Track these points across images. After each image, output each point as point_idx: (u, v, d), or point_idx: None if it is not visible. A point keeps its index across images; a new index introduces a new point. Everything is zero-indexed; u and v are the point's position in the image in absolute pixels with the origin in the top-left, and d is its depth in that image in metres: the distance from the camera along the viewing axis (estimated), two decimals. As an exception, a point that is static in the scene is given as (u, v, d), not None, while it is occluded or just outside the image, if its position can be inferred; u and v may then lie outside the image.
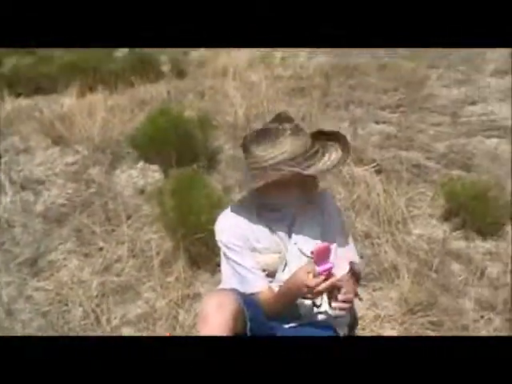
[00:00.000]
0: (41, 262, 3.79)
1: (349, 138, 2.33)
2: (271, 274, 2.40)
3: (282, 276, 2.38)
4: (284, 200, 2.33)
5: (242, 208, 2.41)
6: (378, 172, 4.23)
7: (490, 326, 2.83)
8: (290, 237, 2.38)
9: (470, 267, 3.28)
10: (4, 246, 3.96)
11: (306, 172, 2.15)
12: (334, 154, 2.25)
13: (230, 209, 2.44)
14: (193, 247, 3.32)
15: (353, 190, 3.92)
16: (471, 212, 3.48)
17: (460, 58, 6.69)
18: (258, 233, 2.37)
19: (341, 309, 2.10)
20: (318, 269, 2.06)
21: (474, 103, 5.53)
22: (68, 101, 6.28)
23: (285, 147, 2.14)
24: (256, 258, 2.37)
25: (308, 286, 2.09)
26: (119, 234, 3.86)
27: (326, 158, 2.23)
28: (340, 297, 2.08)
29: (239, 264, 2.36)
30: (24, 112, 6.22)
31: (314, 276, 2.07)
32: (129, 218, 3.99)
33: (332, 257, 2.09)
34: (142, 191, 4.41)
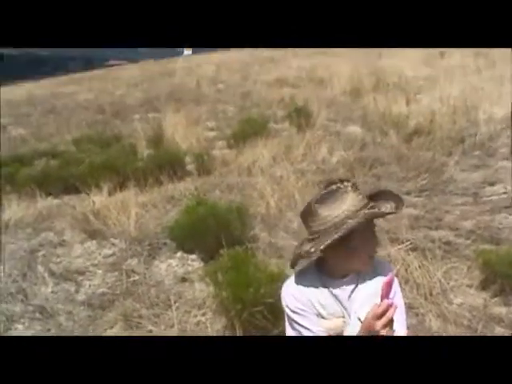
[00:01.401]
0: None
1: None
2: (335, 340, 2.51)
3: (346, 341, 2.49)
4: (348, 267, 2.48)
5: (306, 275, 2.53)
6: (413, 250, 4.39)
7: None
8: (351, 303, 2.50)
9: (513, 330, 3.39)
10: (50, 333, 4.01)
11: (367, 213, 2.29)
12: (389, 206, 2.41)
13: (294, 276, 2.56)
14: (249, 323, 3.41)
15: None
16: (508, 278, 3.60)
17: (473, 144, 7.04)
18: (323, 299, 2.48)
19: None
20: (387, 301, 2.20)
21: (492, 184, 5.82)
22: (99, 199, 6.47)
23: (348, 202, 2.30)
24: (321, 323, 2.48)
25: (380, 329, 2.21)
26: (167, 319, 3.94)
27: (383, 208, 2.38)
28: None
29: (305, 327, 2.46)
30: (55, 210, 6.41)
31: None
32: (175, 302, 4.08)
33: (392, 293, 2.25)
34: (183, 279, 4.50)
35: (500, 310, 3.64)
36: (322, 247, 2.25)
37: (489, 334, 3.35)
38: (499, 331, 3.41)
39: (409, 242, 4.49)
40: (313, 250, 2.29)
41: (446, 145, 7.21)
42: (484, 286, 3.85)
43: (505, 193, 5.57)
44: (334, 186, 2.33)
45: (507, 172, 6.12)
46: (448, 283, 3.93)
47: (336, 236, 2.23)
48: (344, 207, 2.27)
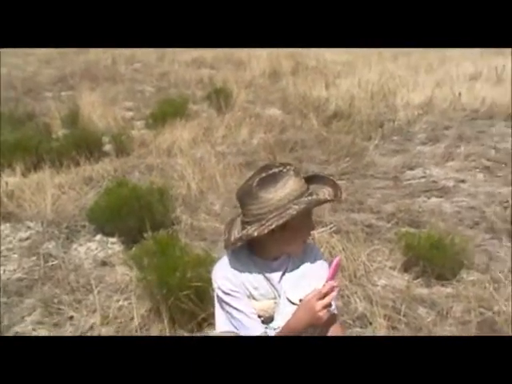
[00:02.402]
0: (7, 334, 3.66)
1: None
2: (266, 320, 2.51)
3: (276, 322, 2.49)
4: (282, 250, 2.47)
5: (237, 257, 2.51)
6: (336, 232, 4.45)
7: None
8: (281, 285, 2.50)
9: (435, 309, 3.49)
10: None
11: (311, 200, 2.29)
12: (327, 192, 2.42)
13: (225, 257, 2.54)
14: (175, 307, 3.36)
15: (315, 249, 4.07)
16: (430, 260, 3.71)
17: (392, 129, 7.21)
18: (255, 281, 2.47)
19: None
20: (332, 282, 2.23)
21: (412, 168, 5.98)
22: (12, 179, 6.23)
23: (290, 187, 2.28)
24: (252, 304, 2.47)
25: (320, 309, 2.23)
26: (89, 303, 3.84)
27: (321, 194, 2.39)
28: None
29: (237, 309, 2.45)
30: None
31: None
32: (96, 287, 3.97)
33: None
34: (103, 262, 4.40)
35: (422, 291, 3.73)
36: (265, 231, 2.24)
37: (411, 314, 3.43)
38: (422, 311, 3.50)
39: (332, 225, 4.55)
40: (256, 233, 2.27)
41: (366, 129, 7.34)
42: (406, 267, 3.94)
43: (423, 177, 5.74)
44: (275, 169, 2.31)
45: (425, 156, 6.31)
46: (371, 265, 4.00)
47: (280, 221, 2.22)
48: (286, 191, 2.27)
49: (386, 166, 6.12)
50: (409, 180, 5.70)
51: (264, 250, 2.48)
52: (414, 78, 10.23)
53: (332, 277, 2.29)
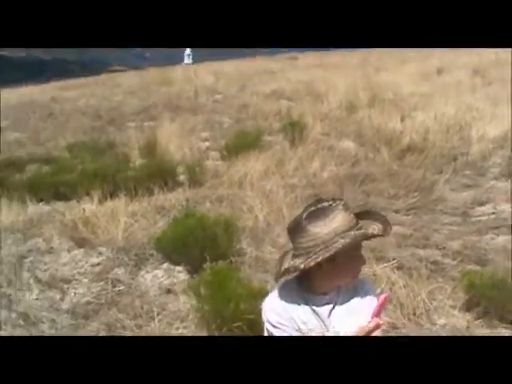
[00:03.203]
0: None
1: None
2: (314, 356, 2.51)
3: (324, 357, 2.50)
4: (331, 285, 2.49)
5: (288, 290, 2.54)
6: (398, 269, 4.39)
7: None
8: (330, 319, 2.51)
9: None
10: (34, 343, 3.99)
11: (358, 234, 2.30)
12: (376, 227, 2.42)
13: (276, 290, 2.57)
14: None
15: (375, 286, 4.02)
16: (491, 300, 3.60)
17: (464, 163, 7.07)
18: (303, 315, 2.49)
19: None
20: (377, 320, 2.22)
21: (482, 204, 5.86)
22: (89, 207, 6.45)
23: (338, 221, 2.30)
24: None
25: None
26: (149, 330, 3.91)
27: (371, 229, 2.39)
28: None
29: None
30: (45, 216, 6.39)
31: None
32: (158, 314, 4.05)
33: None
34: (168, 290, 4.49)
35: (483, 331, 3.62)
36: (311, 264, 2.26)
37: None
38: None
39: (395, 261, 4.50)
40: (302, 266, 2.29)
41: (438, 163, 7.23)
42: (468, 307, 3.84)
43: (493, 213, 5.60)
44: (325, 204, 2.35)
45: (497, 192, 6.15)
46: (431, 303, 3.92)
47: (326, 255, 2.24)
48: (334, 225, 2.29)
49: (456, 201, 6.00)
50: (478, 216, 5.57)
51: (313, 285, 2.50)
52: (493, 110, 9.97)
53: (378, 313, 2.29)
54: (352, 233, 2.31)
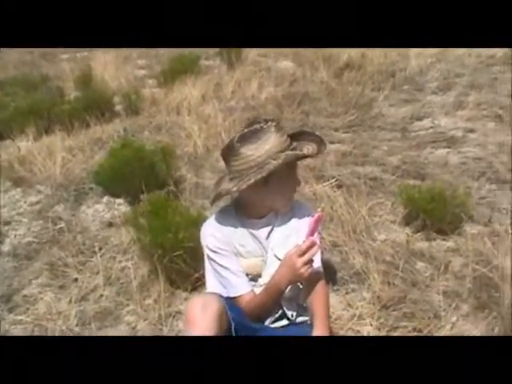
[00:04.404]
0: (15, 297, 3.76)
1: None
2: (254, 278, 2.53)
3: (263, 279, 2.52)
4: (266, 208, 2.49)
5: (225, 215, 2.55)
6: (338, 187, 4.43)
7: (458, 313, 3.01)
8: (268, 242, 2.52)
9: (433, 264, 3.45)
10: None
11: (289, 155, 2.29)
12: (311, 147, 2.41)
13: (214, 216, 2.57)
14: (170, 267, 3.39)
15: (316, 205, 4.05)
16: (430, 214, 3.66)
17: (403, 78, 7.07)
18: (242, 238, 2.50)
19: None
20: (312, 238, 2.24)
21: (420, 119, 5.88)
22: (24, 144, 6.30)
23: (271, 143, 2.28)
24: (240, 262, 2.50)
25: (301, 266, 2.24)
26: (92, 265, 3.89)
27: (305, 149, 2.39)
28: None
29: (224, 267, 2.49)
30: (-20, 157, 6.20)
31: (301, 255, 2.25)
32: (100, 249, 4.02)
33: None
34: (109, 224, 4.44)
35: (422, 245, 3.69)
36: (244, 186, 2.28)
37: (409, 269, 3.42)
38: (420, 266, 3.47)
39: (334, 179, 4.52)
40: (234, 188, 2.32)
41: (377, 79, 7.21)
42: (407, 221, 3.89)
43: (432, 127, 5.63)
44: (257, 126, 2.35)
45: (435, 106, 6.19)
46: (372, 220, 3.96)
47: (258, 176, 2.25)
48: (266, 147, 2.29)
49: (395, 117, 6.01)
50: (417, 131, 5.60)
51: (250, 208, 2.51)
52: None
53: (312, 233, 2.31)
54: (284, 154, 2.30)
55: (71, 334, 3.30)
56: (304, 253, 2.27)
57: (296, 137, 2.49)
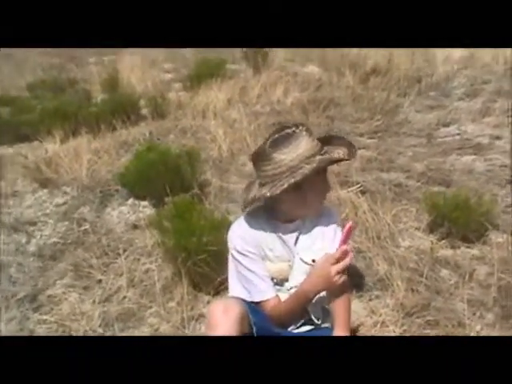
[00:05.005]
0: (40, 297, 3.79)
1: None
2: (279, 283, 2.53)
3: (289, 283, 2.52)
4: (297, 212, 2.48)
5: (255, 218, 2.54)
6: (363, 193, 4.41)
7: (482, 321, 2.98)
8: (296, 247, 2.51)
9: (458, 272, 3.43)
10: (1, 286, 3.96)
11: (322, 158, 2.29)
12: (342, 151, 2.41)
13: (242, 218, 2.57)
14: (194, 270, 3.40)
15: (340, 211, 4.04)
16: (455, 221, 3.63)
17: (429, 84, 7.03)
18: (270, 242, 2.50)
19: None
20: (345, 247, 2.24)
21: (446, 125, 5.85)
22: (52, 146, 6.37)
23: (303, 147, 2.28)
24: (267, 266, 2.50)
25: (335, 275, 2.24)
26: (117, 267, 3.92)
27: (335, 154, 2.38)
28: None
29: (251, 271, 2.48)
30: (7, 159, 6.30)
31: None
32: (125, 251, 4.05)
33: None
34: (134, 226, 4.47)
35: (446, 252, 3.66)
36: (277, 191, 2.28)
37: (433, 276, 3.39)
38: (445, 273, 3.45)
39: (359, 185, 4.50)
40: (269, 194, 2.32)
41: (403, 85, 7.18)
42: (432, 228, 3.87)
43: (458, 134, 5.60)
44: (288, 130, 2.36)
45: (462, 112, 6.15)
46: (396, 226, 3.94)
47: (292, 181, 2.26)
48: (299, 151, 2.29)
49: (421, 123, 5.99)
50: (443, 137, 5.57)
51: (280, 212, 2.51)
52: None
53: (344, 242, 2.30)
54: (317, 158, 2.30)
55: (94, 335, 3.32)
56: (337, 261, 2.27)
57: (325, 141, 2.48)
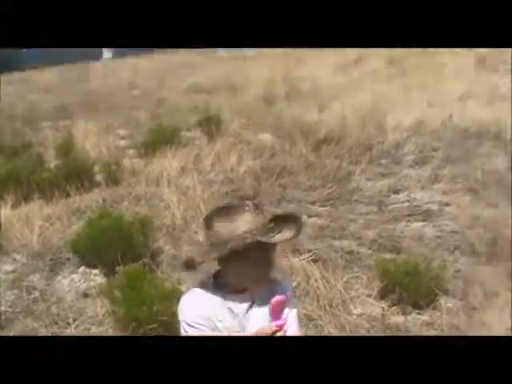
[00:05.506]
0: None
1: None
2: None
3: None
4: (243, 285, 2.49)
5: (204, 289, 2.53)
6: (315, 261, 4.44)
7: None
8: (247, 319, 2.51)
9: (408, 339, 3.45)
10: None
11: (262, 239, 2.30)
12: (287, 232, 2.42)
13: (192, 290, 2.56)
14: (144, 340, 3.36)
15: (292, 279, 4.06)
16: (405, 287, 3.69)
17: (380, 152, 7.21)
18: (220, 313, 2.48)
19: None
20: (275, 324, 2.23)
21: (397, 192, 5.99)
22: (3, 211, 6.27)
23: (244, 222, 2.30)
24: None
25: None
26: (65, 337, 3.84)
27: (280, 234, 2.40)
28: None
29: None
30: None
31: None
32: (75, 320, 3.98)
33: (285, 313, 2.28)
34: (85, 294, 4.41)
35: (397, 319, 3.71)
36: (205, 259, 2.27)
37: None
38: (395, 341, 3.47)
39: (311, 253, 4.54)
40: (199, 260, 2.31)
41: (354, 153, 7.34)
42: (383, 295, 3.92)
43: (408, 201, 5.73)
44: (233, 203, 2.36)
45: (411, 180, 6.31)
46: (348, 293, 3.98)
47: (221, 252, 2.25)
48: (235, 225, 2.29)
49: (372, 190, 6.12)
50: (393, 204, 5.69)
51: (227, 283, 2.50)
52: (408, 98, 10.17)
53: (275, 314, 2.30)
54: (251, 235, 2.31)
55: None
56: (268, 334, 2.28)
57: (278, 219, 2.51)
